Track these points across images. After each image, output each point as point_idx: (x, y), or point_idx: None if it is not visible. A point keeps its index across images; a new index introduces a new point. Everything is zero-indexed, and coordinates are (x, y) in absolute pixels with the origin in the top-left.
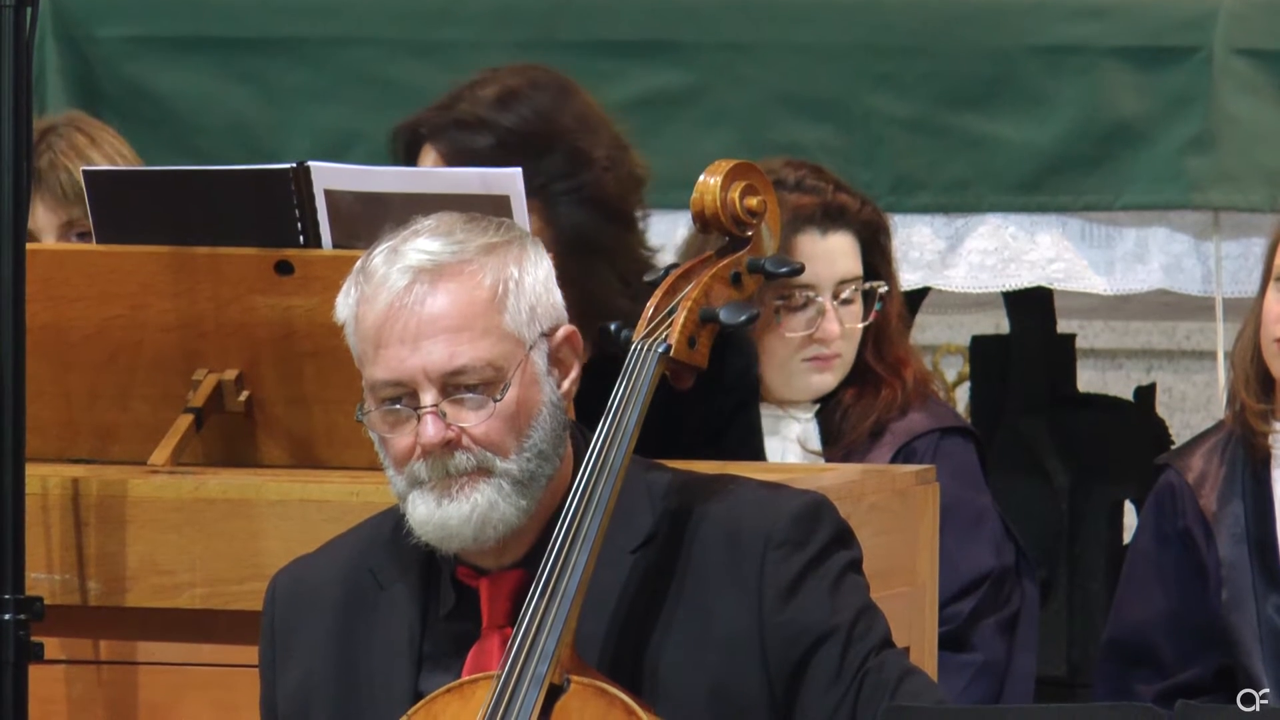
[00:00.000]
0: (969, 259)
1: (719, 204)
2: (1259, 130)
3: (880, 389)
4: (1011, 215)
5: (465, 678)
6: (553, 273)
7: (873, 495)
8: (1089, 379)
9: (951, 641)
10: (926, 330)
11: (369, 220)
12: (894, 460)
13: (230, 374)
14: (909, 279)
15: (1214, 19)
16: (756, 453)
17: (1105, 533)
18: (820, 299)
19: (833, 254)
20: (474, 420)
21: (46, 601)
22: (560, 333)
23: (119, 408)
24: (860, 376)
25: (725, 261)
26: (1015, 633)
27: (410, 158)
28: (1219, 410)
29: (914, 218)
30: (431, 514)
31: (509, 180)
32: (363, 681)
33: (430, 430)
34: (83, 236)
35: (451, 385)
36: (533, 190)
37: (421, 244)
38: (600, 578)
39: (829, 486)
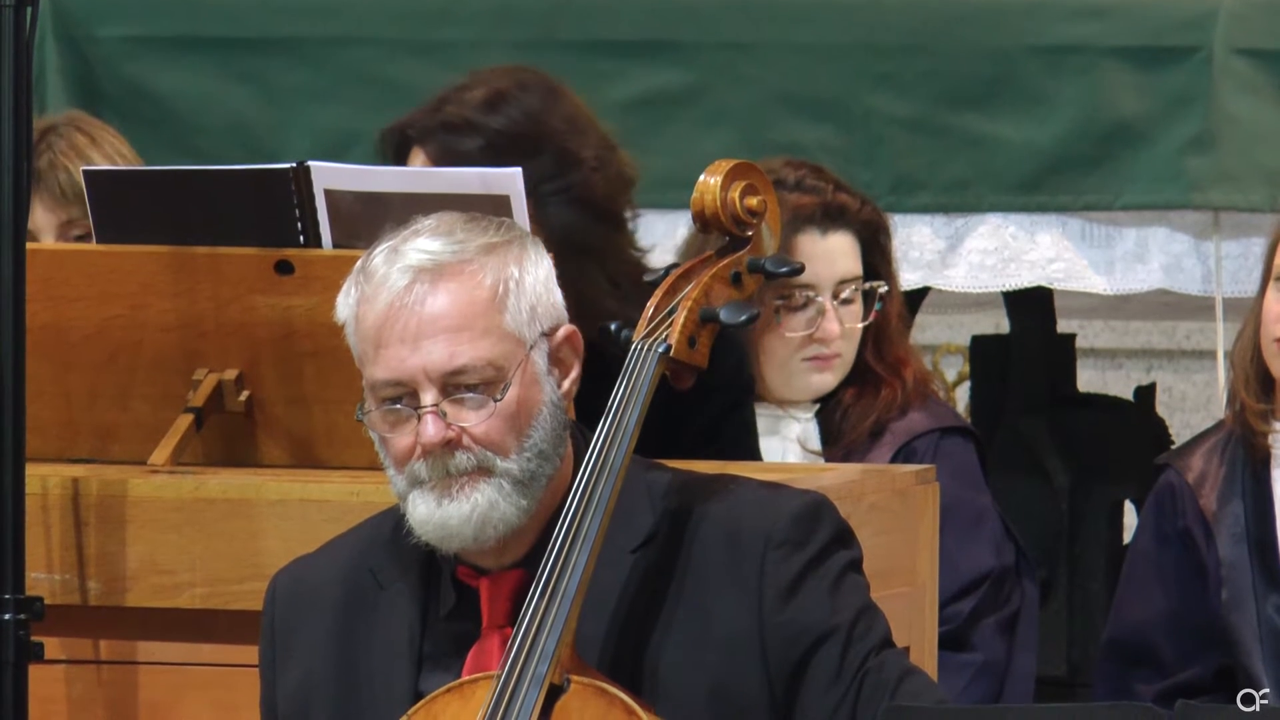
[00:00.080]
0: (969, 259)
1: (719, 204)
2: (1259, 130)
3: (880, 389)
4: (1011, 215)
5: (465, 677)
6: (553, 272)
7: (873, 495)
8: (1089, 379)
9: (951, 641)
10: (926, 330)
11: (369, 220)
12: (894, 460)
13: (230, 374)
14: (909, 279)
15: (1214, 19)
16: (752, 451)
17: (1105, 533)
18: (820, 299)
19: (833, 254)
20: (474, 420)
21: (46, 601)
22: (561, 332)
23: (119, 408)
24: (860, 376)
25: (725, 261)
26: (1015, 632)
27: (399, 160)
28: (1219, 410)
29: (914, 217)
30: (432, 514)
31: (509, 180)
32: (363, 681)
33: (430, 430)
34: (81, 237)
35: (452, 385)
36: None
37: (422, 244)
38: (600, 578)
39: (829, 486)
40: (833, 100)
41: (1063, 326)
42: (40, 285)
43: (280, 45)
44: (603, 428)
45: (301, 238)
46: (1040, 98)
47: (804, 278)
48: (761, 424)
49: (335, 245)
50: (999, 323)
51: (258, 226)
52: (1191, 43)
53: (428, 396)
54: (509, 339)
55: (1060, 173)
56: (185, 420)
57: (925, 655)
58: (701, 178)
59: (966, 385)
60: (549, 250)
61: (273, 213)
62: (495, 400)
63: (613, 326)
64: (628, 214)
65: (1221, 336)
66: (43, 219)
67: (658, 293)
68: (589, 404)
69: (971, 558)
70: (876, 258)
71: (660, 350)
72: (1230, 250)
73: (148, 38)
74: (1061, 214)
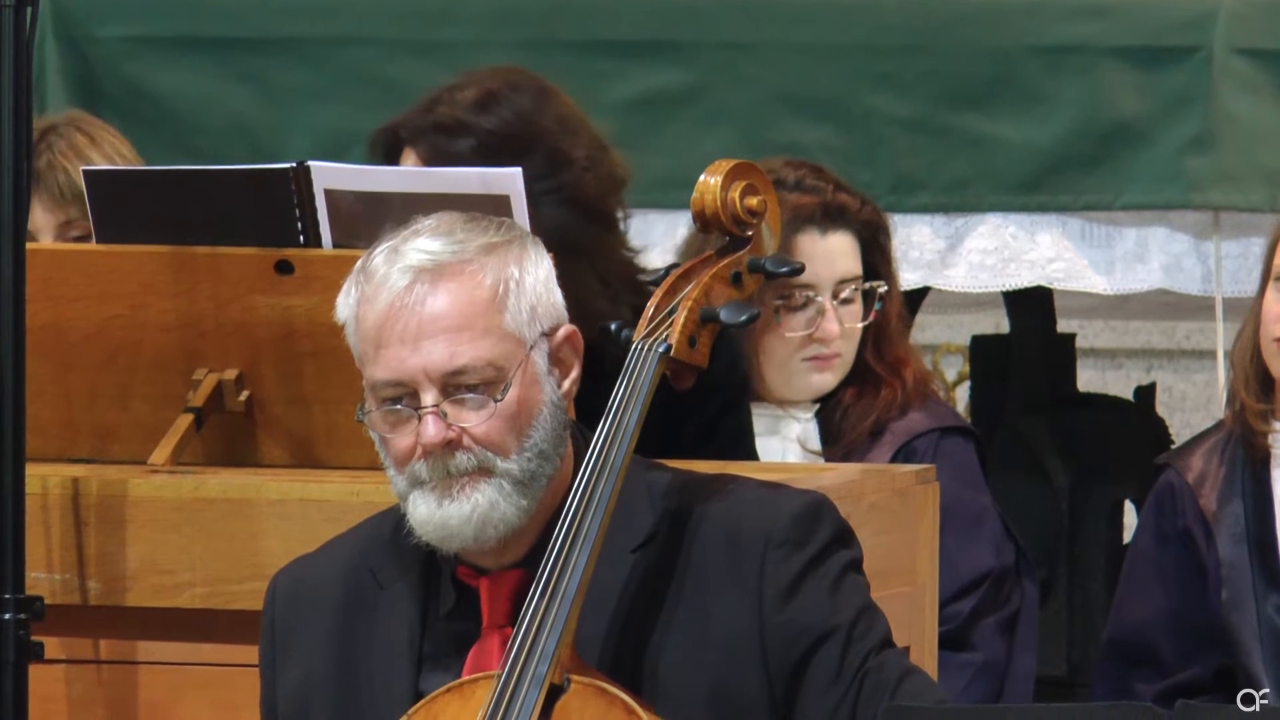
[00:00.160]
0: (969, 259)
1: (719, 204)
2: (1259, 130)
3: (880, 389)
4: (1011, 215)
5: (465, 677)
6: (553, 272)
7: (873, 495)
8: (1089, 379)
9: (951, 641)
10: (926, 330)
11: (369, 220)
12: (894, 460)
13: (230, 374)
14: (909, 279)
15: (1214, 19)
16: (748, 450)
17: (1105, 532)
18: (820, 299)
19: (832, 254)
20: (475, 420)
21: (47, 601)
22: (561, 332)
23: (119, 407)
24: (860, 376)
25: (725, 261)
26: (1015, 632)
27: (389, 161)
28: (1219, 410)
29: (914, 217)
30: (432, 514)
31: (509, 180)
32: (363, 681)
33: (431, 430)
34: (80, 237)
35: (452, 385)
36: None
37: (422, 244)
38: (600, 577)
39: (829, 486)
40: (833, 100)
41: (1063, 326)
42: (40, 285)
43: (280, 45)
44: (603, 428)
45: (301, 238)
46: (1040, 98)
47: (804, 278)
48: (761, 424)
49: (335, 245)
50: (999, 322)
51: (258, 226)
52: (1191, 42)
53: (428, 397)
54: (509, 339)
55: (1060, 173)
56: (185, 420)
57: (925, 655)
58: (702, 178)
59: (966, 385)
60: None
61: (273, 213)
62: (496, 400)
63: (613, 326)
64: (619, 214)
65: (1221, 336)
66: (41, 219)
67: (658, 293)
68: (587, 404)
69: (971, 558)
70: (876, 257)
71: (660, 350)
72: (1230, 250)
73: (148, 38)
74: (1061, 214)
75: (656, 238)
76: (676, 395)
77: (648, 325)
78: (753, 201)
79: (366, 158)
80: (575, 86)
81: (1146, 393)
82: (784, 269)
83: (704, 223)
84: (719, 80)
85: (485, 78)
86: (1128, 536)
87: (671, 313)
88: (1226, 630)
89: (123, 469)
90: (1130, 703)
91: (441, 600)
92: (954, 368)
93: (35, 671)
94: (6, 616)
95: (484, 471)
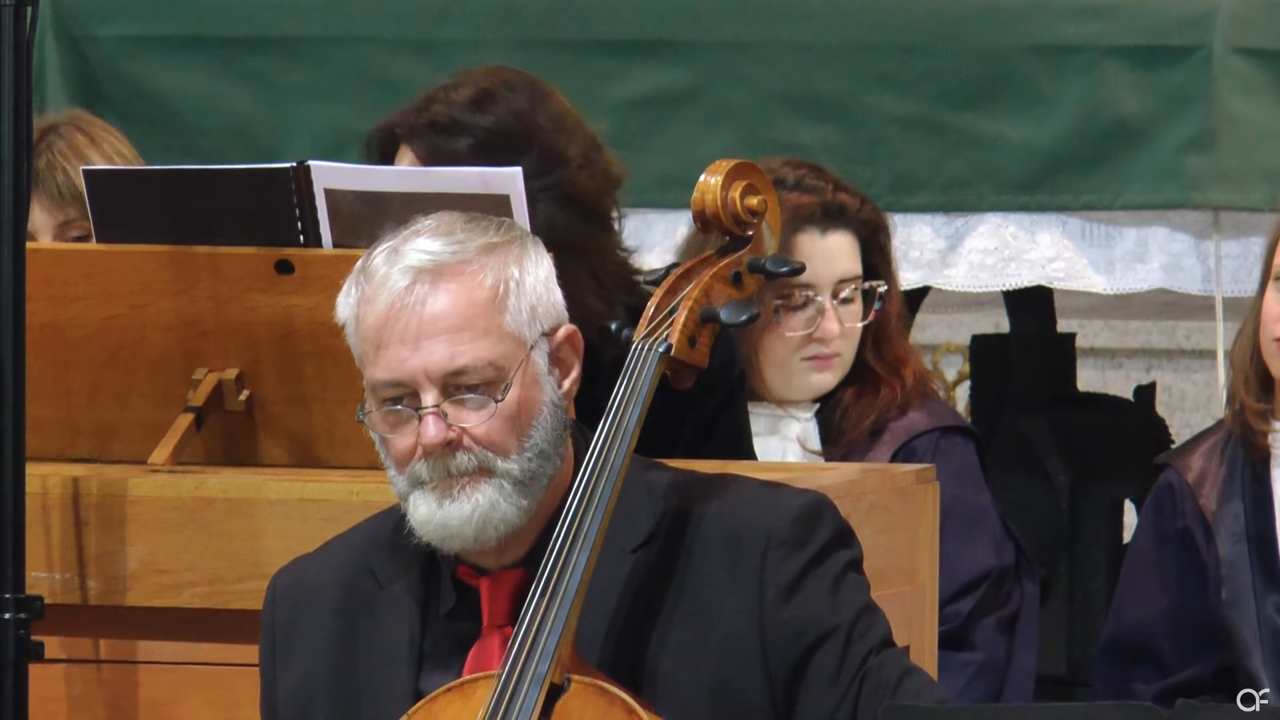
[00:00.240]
0: (969, 258)
1: (720, 203)
2: (1259, 129)
3: (880, 388)
4: (1011, 214)
5: (466, 677)
6: (553, 272)
7: (873, 494)
8: (1089, 378)
9: (951, 640)
10: (926, 329)
11: (369, 219)
12: (894, 459)
13: (230, 373)
14: (909, 278)
15: (1214, 18)
16: (746, 448)
17: (1105, 532)
18: (820, 298)
19: (832, 253)
20: (475, 420)
21: (47, 600)
22: (561, 332)
23: (119, 407)
24: (860, 376)
25: (726, 261)
26: (1015, 632)
27: (385, 160)
28: (1219, 409)
29: (914, 217)
30: (433, 514)
31: (509, 179)
32: (363, 681)
33: (431, 431)
34: (79, 238)
35: (452, 385)
36: None
37: (422, 244)
38: (601, 577)
39: (829, 486)
40: (833, 100)
41: (1063, 326)
42: (40, 285)
43: (280, 44)
44: (603, 427)
45: (302, 237)
46: (1040, 97)
47: (804, 277)
48: (761, 424)
49: (335, 245)
50: (999, 322)
51: (258, 226)
52: (1191, 42)
53: (428, 397)
54: (509, 339)
55: (1060, 172)
56: (185, 419)
57: (925, 654)
58: (702, 177)
59: (966, 384)
60: None
61: (273, 212)
62: (496, 401)
63: (613, 326)
64: (614, 214)
65: (1221, 336)
66: (40, 219)
67: (658, 292)
68: (583, 404)
69: (971, 557)
70: (876, 257)
71: (661, 350)
72: (1230, 250)
73: (148, 37)
74: (1061, 213)
75: (656, 238)
76: (673, 394)
77: (648, 325)
78: (753, 201)
79: (362, 157)
80: (575, 86)
81: (1146, 392)
82: (784, 269)
83: (704, 222)
84: (719, 80)
85: (480, 77)
86: (1128, 536)
87: (672, 312)
88: (1226, 630)
89: (123, 468)
90: (1130, 702)
91: (442, 600)
92: (954, 367)
93: (35, 671)
94: (6, 616)
95: (484, 472)
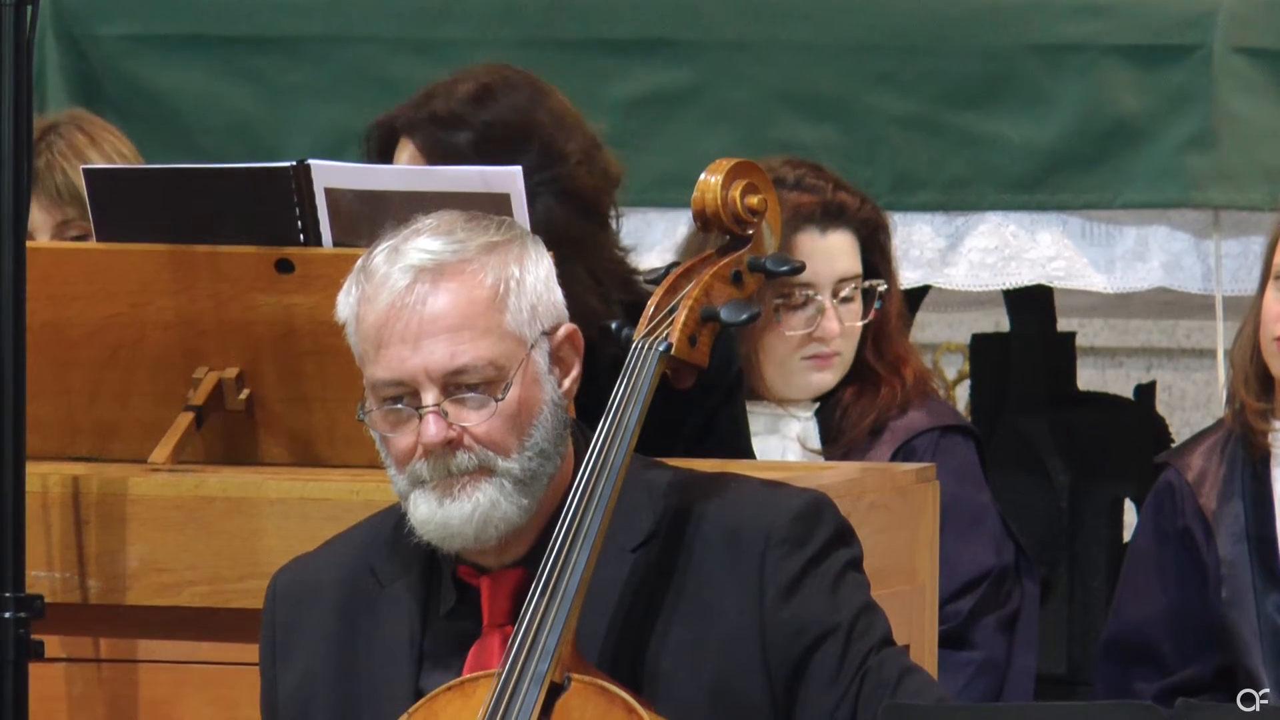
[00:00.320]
0: (969, 257)
1: (720, 202)
2: (1259, 129)
3: (880, 387)
4: (1012, 213)
5: (466, 676)
6: (554, 271)
7: (873, 493)
8: (1089, 377)
9: (951, 640)
10: (926, 328)
11: (369, 218)
12: (894, 458)
13: (231, 372)
14: (909, 277)
15: (1214, 17)
16: (745, 446)
17: (1105, 531)
18: (820, 297)
19: (832, 252)
20: (475, 420)
21: (47, 599)
22: (561, 331)
23: (119, 406)
24: (860, 375)
25: (726, 260)
26: (1015, 631)
27: (384, 156)
28: (1219, 409)
29: (914, 216)
30: (433, 513)
31: (510, 178)
32: (363, 680)
33: (432, 430)
34: (78, 237)
35: (453, 385)
36: None
37: (422, 243)
38: (601, 576)
39: (829, 485)
40: (833, 99)
41: (1063, 325)
42: (40, 284)
43: (280, 44)
44: (603, 427)
45: (302, 236)
46: (1040, 97)
47: (804, 276)
48: (761, 423)
49: (335, 244)
50: (999, 321)
51: (258, 225)
52: (1192, 41)
53: (429, 396)
54: (510, 338)
55: (1060, 171)
56: (185, 418)
57: (925, 653)
58: (702, 176)
59: (966, 384)
60: None
61: (273, 211)
62: (496, 400)
63: (613, 325)
64: (612, 213)
65: (1221, 335)
66: (39, 219)
67: (658, 291)
68: (583, 403)
69: (971, 556)
70: (876, 256)
71: (661, 349)
72: (1230, 249)
73: (148, 36)
74: (1062, 212)
75: (656, 237)
76: (673, 393)
77: (648, 324)
78: (753, 200)
79: (360, 152)
80: (575, 85)
81: (1146, 391)
82: (784, 268)
83: (704, 221)
84: (719, 79)
85: (481, 73)
86: (1128, 535)
87: (672, 311)
88: (1226, 629)
89: (123, 467)
90: (1130, 701)
91: (442, 599)
92: (954, 366)
93: (35, 670)
94: (7, 615)
95: (485, 471)
